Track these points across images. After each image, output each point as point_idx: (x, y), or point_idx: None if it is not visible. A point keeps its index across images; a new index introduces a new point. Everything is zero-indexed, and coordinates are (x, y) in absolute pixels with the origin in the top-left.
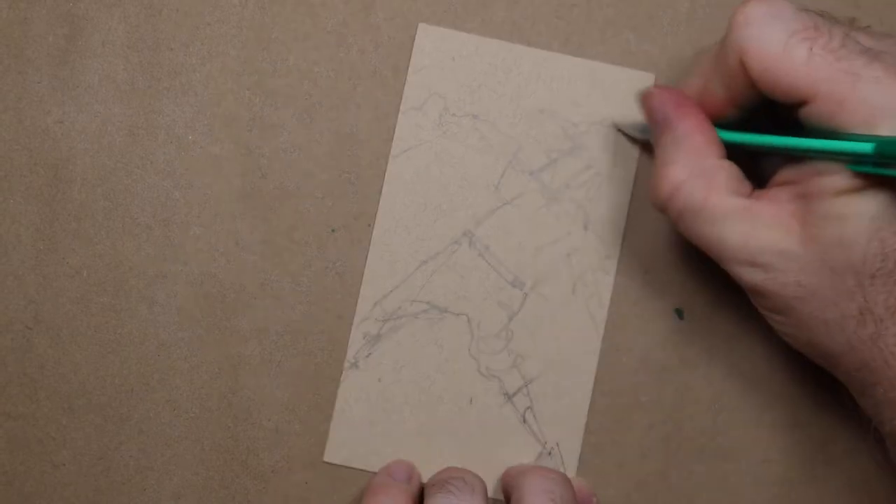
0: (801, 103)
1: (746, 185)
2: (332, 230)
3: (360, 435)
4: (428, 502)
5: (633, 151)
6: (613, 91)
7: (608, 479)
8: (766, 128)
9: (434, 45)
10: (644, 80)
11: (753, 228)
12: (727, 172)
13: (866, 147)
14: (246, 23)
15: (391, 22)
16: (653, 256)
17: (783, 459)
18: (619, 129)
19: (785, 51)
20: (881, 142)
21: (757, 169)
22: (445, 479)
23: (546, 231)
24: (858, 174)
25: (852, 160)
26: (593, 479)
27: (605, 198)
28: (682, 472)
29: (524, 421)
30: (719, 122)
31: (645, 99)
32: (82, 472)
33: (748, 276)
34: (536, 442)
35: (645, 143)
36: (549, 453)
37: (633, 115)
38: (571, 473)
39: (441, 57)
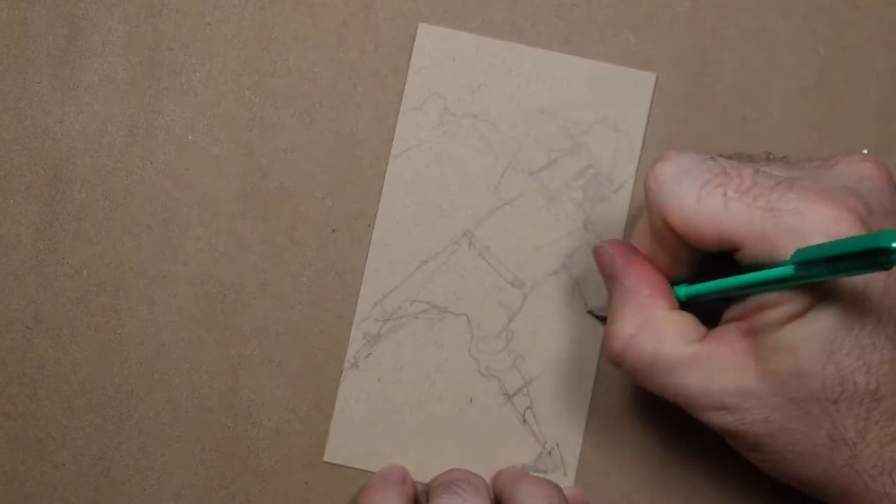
0: (730, 250)
1: (699, 330)
2: (332, 230)
3: (360, 435)
4: (434, 503)
5: (634, 151)
6: (613, 91)
7: (608, 479)
8: (726, 273)
9: (434, 45)
10: (644, 79)
11: (710, 373)
12: (676, 323)
13: (787, 271)
14: (246, 23)
15: (391, 22)
16: None
17: None
18: (592, 314)
19: (700, 203)
20: (795, 261)
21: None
22: (450, 480)
23: (546, 231)
24: (797, 302)
25: (790, 285)
26: (593, 479)
27: (605, 198)
28: (682, 471)
29: (524, 421)
30: (677, 279)
31: (596, 254)
32: (82, 472)
33: (716, 419)
34: (536, 442)
35: None
36: (549, 453)
37: (630, 120)
38: (571, 473)
39: (441, 57)
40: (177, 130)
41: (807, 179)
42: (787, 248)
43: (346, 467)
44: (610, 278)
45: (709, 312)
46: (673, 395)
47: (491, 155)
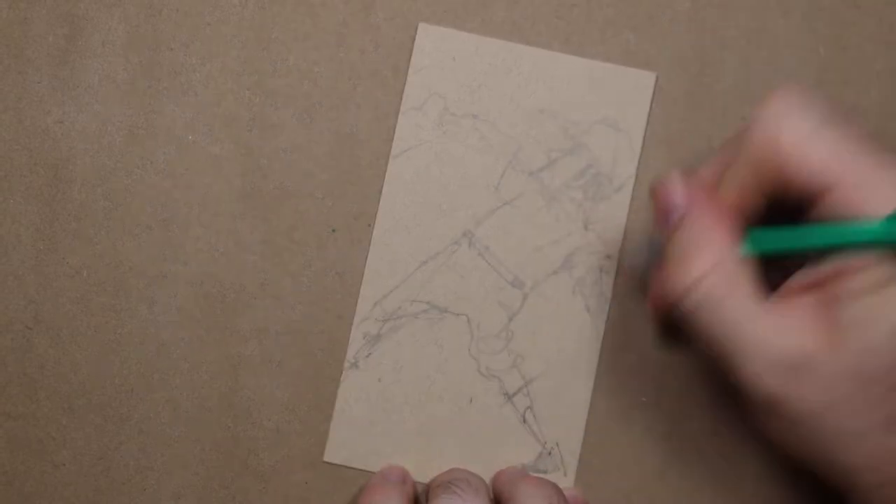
0: (821, 192)
1: (763, 289)
2: (332, 230)
3: (360, 435)
4: (433, 503)
5: (634, 151)
6: (613, 91)
7: (608, 479)
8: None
9: (434, 44)
10: (644, 79)
11: (777, 332)
12: (750, 272)
13: (883, 228)
14: (246, 23)
15: (391, 22)
16: None
17: (783, 459)
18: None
19: (816, 133)
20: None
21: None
22: (449, 480)
23: (546, 231)
24: (883, 269)
25: (879, 249)
26: (593, 479)
27: (605, 198)
28: (682, 472)
29: (524, 421)
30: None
31: (660, 192)
32: (82, 472)
33: (768, 382)
34: (536, 442)
35: (644, 264)
36: (549, 453)
37: (630, 120)
38: (571, 473)
39: (441, 57)
40: (177, 130)
41: None
42: (879, 204)
43: (346, 467)
44: (679, 214)
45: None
46: (727, 345)
47: (491, 155)
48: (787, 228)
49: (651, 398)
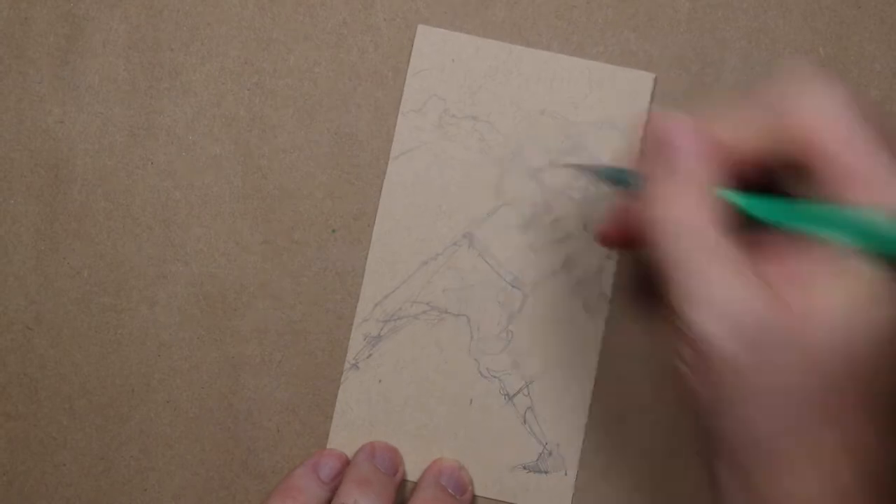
0: (833, 177)
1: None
2: (332, 230)
3: (360, 436)
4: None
5: (633, 152)
6: (613, 91)
7: (608, 479)
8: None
9: (434, 46)
10: (644, 80)
11: (747, 290)
12: (728, 218)
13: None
14: (246, 23)
15: (391, 22)
16: None
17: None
18: (577, 168)
19: (845, 118)
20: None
21: None
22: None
23: (546, 232)
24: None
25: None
26: (593, 479)
27: (605, 198)
28: (682, 472)
29: (525, 421)
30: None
31: (658, 120)
32: (83, 472)
33: (725, 339)
34: (537, 442)
35: (598, 186)
36: (550, 453)
37: (630, 120)
38: (572, 473)
39: (441, 58)
40: (177, 130)
41: None
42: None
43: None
44: (670, 144)
45: None
46: (687, 284)
47: (491, 156)
48: (783, 200)
49: (651, 398)
